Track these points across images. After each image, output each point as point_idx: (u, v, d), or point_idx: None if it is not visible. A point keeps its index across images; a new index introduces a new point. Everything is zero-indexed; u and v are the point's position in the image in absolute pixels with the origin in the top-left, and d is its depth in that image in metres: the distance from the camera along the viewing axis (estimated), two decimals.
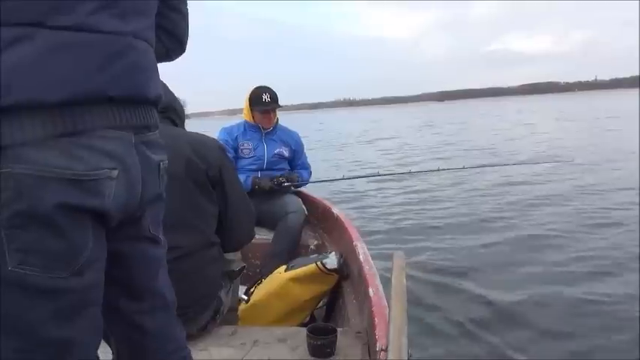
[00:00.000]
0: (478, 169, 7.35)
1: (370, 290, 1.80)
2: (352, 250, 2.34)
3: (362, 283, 1.99)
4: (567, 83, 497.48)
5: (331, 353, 1.57)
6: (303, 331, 1.66)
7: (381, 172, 4.30)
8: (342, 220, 2.83)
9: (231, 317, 2.01)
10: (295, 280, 2.24)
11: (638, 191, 6.18)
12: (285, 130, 3.44)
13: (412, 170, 4.39)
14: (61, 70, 0.79)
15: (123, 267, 1.00)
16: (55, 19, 0.79)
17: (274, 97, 3.22)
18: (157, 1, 1.04)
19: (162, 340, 1.09)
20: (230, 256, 2.03)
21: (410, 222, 5.62)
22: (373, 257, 2.22)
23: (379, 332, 1.46)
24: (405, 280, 1.54)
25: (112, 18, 0.86)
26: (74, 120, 0.80)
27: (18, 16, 0.77)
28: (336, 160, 13.34)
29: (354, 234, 2.53)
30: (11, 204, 0.76)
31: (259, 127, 3.28)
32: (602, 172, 8.11)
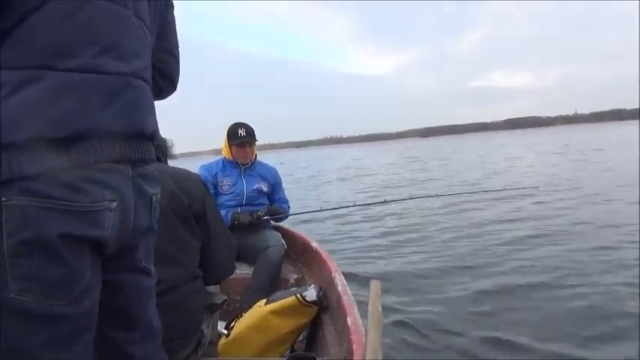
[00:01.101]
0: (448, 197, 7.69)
1: (349, 320, 1.85)
2: (331, 282, 2.38)
3: (341, 313, 2.03)
4: (549, 117, 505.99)
5: None
6: None
7: (357, 202, 4.40)
8: (321, 253, 2.88)
9: (211, 351, 2.01)
10: (275, 312, 2.26)
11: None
12: (264, 165, 3.51)
13: (386, 199, 4.50)
14: (67, 108, 0.85)
15: (117, 297, 1.03)
16: (63, 62, 0.86)
17: (250, 132, 3.30)
18: (151, 44, 1.12)
19: None
20: (211, 288, 2.06)
21: (386, 250, 5.84)
22: (352, 288, 2.28)
23: (357, 357, 1.50)
24: (380, 307, 1.59)
25: (113, 60, 0.93)
26: (78, 154, 0.86)
27: (29, 59, 0.83)
28: (318, 195, 13.57)
29: (332, 267, 2.58)
30: (17, 233, 0.81)
31: (238, 163, 3.34)
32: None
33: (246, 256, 3.12)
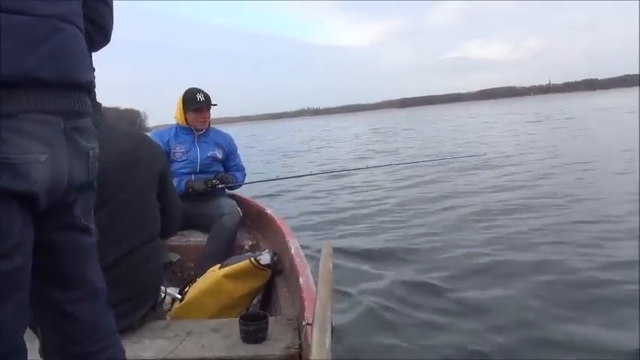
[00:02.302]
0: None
1: (301, 280, 1.88)
2: (285, 247, 2.41)
3: (293, 275, 2.06)
4: (524, 88, 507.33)
5: (263, 338, 1.63)
6: (236, 321, 1.71)
7: (314, 171, 4.45)
8: (276, 220, 2.90)
9: (160, 312, 2.03)
10: (229, 276, 2.27)
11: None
12: (218, 132, 3.46)
13: (345, 168, 4.58)
14: None
15: (54, 256, 1.01)
16: None
17: (208, 97, 3.25)
18: None
19: (91, 328, 1.11)
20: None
21: (339, 215, 6.02)
22: (307, 253, 2.31)
23: (308, 314, 1.54)
24: (330, 265, 1.62)
25: (38, 0, 0.87)
26: (2, 102, 0.81)
27: None
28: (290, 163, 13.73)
29: (286, 232, 2.60)
30: None
31: (191, 130, 3.28)
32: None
33: (200, 224, 3.10)
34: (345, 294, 3.38)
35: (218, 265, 2.38)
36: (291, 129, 55.84)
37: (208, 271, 2.39)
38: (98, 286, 1.13)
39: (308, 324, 1.35)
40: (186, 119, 3.26)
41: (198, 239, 3.02)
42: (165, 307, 2.16)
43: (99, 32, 1.21)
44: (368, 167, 4.34)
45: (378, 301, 3.29)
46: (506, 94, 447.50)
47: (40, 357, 1.14)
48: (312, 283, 1.83)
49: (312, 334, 1.22)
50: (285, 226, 2.72)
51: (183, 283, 2.42)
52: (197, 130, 3.29)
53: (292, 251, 2.24)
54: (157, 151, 1.98)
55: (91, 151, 1.01)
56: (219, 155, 3.36)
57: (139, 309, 1.74)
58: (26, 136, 0.84)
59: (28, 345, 0.98)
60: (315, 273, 1.98)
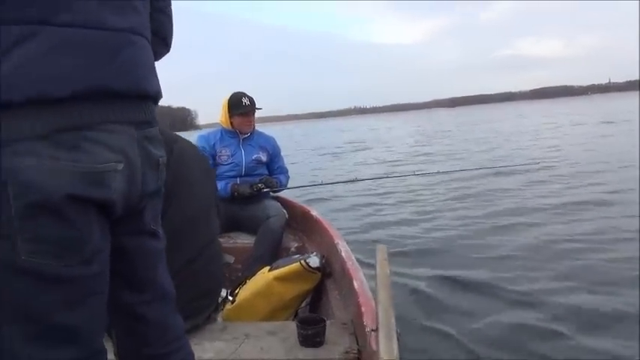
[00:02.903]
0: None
1: (355, 283, 1.88)
2: (334, 249, 2.41)
3: (345, 278, 2.06)
4: (580, 87, 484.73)
5: (321, 342, 1.64)
6: (292, 324, 1.73)
7: (359, 177, 4.42)
8: (322, 222, 2.91)
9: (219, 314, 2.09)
10: (280, 278, 2.29)
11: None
12: (262, 135, 3.50)
13: (389, 175, 4.53)
14: (66, 65, 0.82)
15: (125, 260, 1.04)
16: (59, 16, 0.82)
17: (253, 101, 3.29)
18: (148, 1, 1.08)
19: (162, 330, 1.14)
20: None
21: (388, 220, 5.89)
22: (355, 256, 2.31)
23: (367, 319, 1.54)
24: (388, 270, 1.62)
25: (112, 15, 0.90)
26: (81, 114, 0.84)
27: (22, 14, 0.80)
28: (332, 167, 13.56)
29: (334, 234, 2.61)
30: (23, 196, 0.79)
31: (237, 133, 3.33)
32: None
33: (247, 226, 3.14)
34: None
35: (267, 268, 2.41)
36: (336, 128, 55.05)
37: (258, 273, 2.42)
38: (167, 289, 1.16)
39: (372, 330, 1.35)
40: (231, 123, 3.31)
41: (245, 241, 3.06)
42: None
43: (160, 42, 1.23)
44: (415, 173, 4.27)
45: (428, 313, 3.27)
46: (562, 93, 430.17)
47: (115, 359, 1.17)
48: (367, 286, 1.83)
49: (377, 340, 1.22)
50: (332, 229, 2.73)
51: (233, 285, 2.46)
52: (242, 134, 3.33)
53: (342, 254, 2.24)
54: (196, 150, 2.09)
55: (160, 159, 1.05)
56: (264, 158, 3.39)
57: (204, 311, 1.79)
58: (104, 145, 0.87)
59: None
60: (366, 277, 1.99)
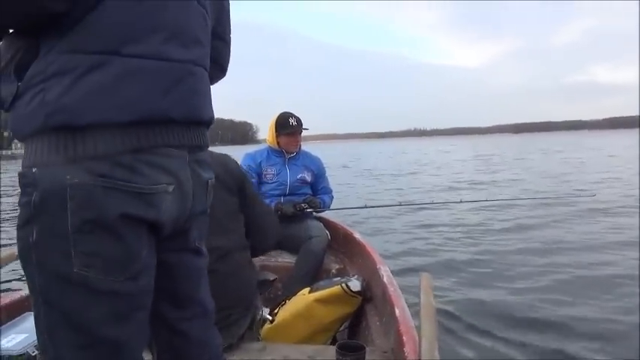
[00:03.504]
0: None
1: (396, 310, 1.84)
2: (375, 274, 2.38)
3: (387, 304, 2.02)
4: None
5: None
6: (331, 349, 1.70)
7: (403, 202, 4.39)
8: (364, 244, 2.88)
9: (258, 332, 2.07)
10: (320, 301, 2.27)
11: None
12: (308, 155, 3.52)
13: (434, 201, 4.46)
14: (131, 93, 0.88)
15: (169, 276, 1.06)
16: (130, 47, 0.88)
17: (300, 121, 3.32)
18: (210, 32, 1.13)
19: (202, 347, 1.15)
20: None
21: (432, 249, 5.76)
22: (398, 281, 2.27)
23: (408, 349, 1.50)
24: (433, 300, 1.58)
25: (178, 47, 0.95)
26: (139, 138, 0.89)
27: (96, 45, 0.86)
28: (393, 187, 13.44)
29: (377, 258, 2.58)
30: (80, 211, 0.84)
31: (283, 153, 3.36)
32: None
33: (288, 245, 3.14)
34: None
35: (308, 289, 2.39)
36: (393, 150, 54.50)
37: (298, 294, 2.41)
38: (209, 307, 1.18)
39: None
40: (278, 142, 3.34)
41: (287, 260, 3.06)
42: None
43: (217, 68, 1.28)
44: (462, 201, 4.17)
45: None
46: (636, 124, 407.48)
47: None
48: (409, 314, 1.79)
49: None
50: (374, 252, 2.69)
51: (273, 304, 2.46)
52: (288, 153, 3.36)
53: (384, 279, 2.21)
54: (229, 166, 2.07)
55: (209, 181, 1.09)
56: (309, 178, 3.41)
57: (235, 325, 1.78)
58: (156, 168, 0.91)
59: None
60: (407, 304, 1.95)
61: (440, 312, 3.46)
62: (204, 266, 1.17)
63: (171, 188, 0.94)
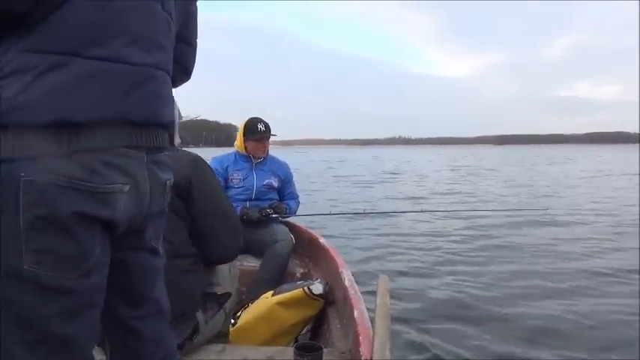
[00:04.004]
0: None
1: (355, 312, 1.89)
2: (338, 277, 2.42)
3: (347, 307, 2.07)
4: (636, 134, 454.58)
5: None
6: (290, 350, 1.73)
7: (367, 210, 4.49)
8: (328, 249, 2.92)
9: (222, 342, 2.06)
10: (282, 304, 2.31)
11: None
12: (275, 160, 3.55)
13: (397, 210, 4.59)
14: (91, 94, 0.90)
15: (125, 274, 1.09)
16: (91, 50, 0.91)
17: (268, 127, 3.35)
18: (174, 37, 1.16)
19: (155, 346, 1.18)
20: (221, 280, 2.11)
21: (393, 255, 5.90)
22: (359, 284, 2.33)
23: (364, 349, 1.55)
24: (388, 301, 1.63)
25: (140, 51, 0.98)
26: (96, 138, 0.91)
27: (60, 45, 0.88)
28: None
29: (339, 262, 2.62)
30: (32, 208, 0.86)
31: (250, 158, 3.39)
32: None
33: (254, 249, 3.16)
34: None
35: (271, 292, 2.42)
36: (372, 157, 54.96)
37: (261, 297, 2.44)
38: (163, 306, 1.20)
39: None
40: (245, 147, 3.37)
41: (251, 264, 3.08)
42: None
43: (182, 71, 1.31)
44: (423, 211, 4.32)
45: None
46: (616, 140, 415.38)
47: None
48: (367, 317, 1.84)
49: None
50: (338, 256, 2.74)
51: (236, 308, 2.48)
52: (255, 158, 3.39)
53: (346, 282, 2.26)
54: (182, 168, 1.81)
55: (167, 182, 1.12)
56: (275, 183, 3.44)
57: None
58: (113, 168, 0.94)
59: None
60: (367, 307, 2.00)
61: (397, 313, 3.63)
62: (160, 266, 1.19)
63: (126, 188, 0.96)
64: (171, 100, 1.12)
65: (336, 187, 16.42)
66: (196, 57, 1.36)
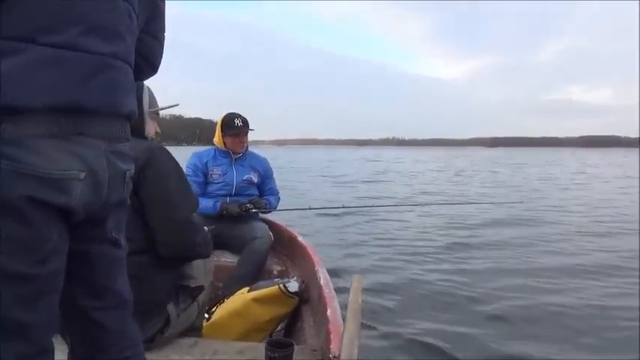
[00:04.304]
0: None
1: (328, 310, 1.90)
2: (313, 276, 2.43)
3: (321, 305, 2.08)
4: (628, 138, 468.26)
5: None
6: (262, 346, 1.73)
7: (346, 204, 4.51)
8: (306, 247, 2.93)
9: (195, 336, 2.05)
10: (257, 300, 2.31)
11: None
12: (255, 156, 3.54)
13: (375, 204, 4.62)
14: (46, 81, 0.90)
15: (86, 266, 1.09)
16: (47, 37, 0.90)
17: (246, 122, 3.34)
18: (137, 28, 1.16)
19: (118, 337, 1.17)
20: (195, 273, 2.09)
21: (372, 250, 6.03)
22: (335, 283, 2.34)
23: (334, 346, 1.56)
24: (360, 299, 1.64)
25: (97, 40, 0.98)
26: (51, 125, 0.91)
27: (13, 32, 0.88)
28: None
29: (316, 261, 2.63)
30: None
31: (229, 153, 3.37)
32: None
33: (232, 245, 3.15)
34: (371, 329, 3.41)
35: (247, 288, 2.42)
36: (364, 158, 55.23)
37: (237, 293, 2.43)
38: (125, 297, 1.20)
39: (334, 357, 1.37)
40: (224, 143, 3.35)
41: (228, 260, 3.07)
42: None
43: (147, 64, 1.32)
44: (397, 205, 4.37)
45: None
46: (609, 143, 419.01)
47: None
48: (340, 315, 1.85)
49: None
50: (315, 255, 2.75)
51: (211, 303, 2.47)
52: (235, 154, 3.38)
53: (321, 281, 2.27)
54: (139, 160, 1.68)
55: (127, 172, 1.11)
56: (255, 179, 3.43)
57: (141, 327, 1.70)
58: (68, 154, 0.93)
59: (58, 353, 1.04)
60: (342, 305, 2.01)
61: (374, 309, 3.73)
62: (122, 257, 1.19)
63: (82, 175, 0.96)
64: (132, 91, 1.12)
65: (322, 185, 16.56)
66: (163, 51, 1.36)
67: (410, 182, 18.67)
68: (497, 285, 4.51)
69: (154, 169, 1.80)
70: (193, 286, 2.05)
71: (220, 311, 2.35)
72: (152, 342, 1.80)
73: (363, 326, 3.26)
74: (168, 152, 1.88)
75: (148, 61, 1.30)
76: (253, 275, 2.89)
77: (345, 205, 4.49)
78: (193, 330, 2.08)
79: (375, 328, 3.41)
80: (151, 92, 1.96)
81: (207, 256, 2.11)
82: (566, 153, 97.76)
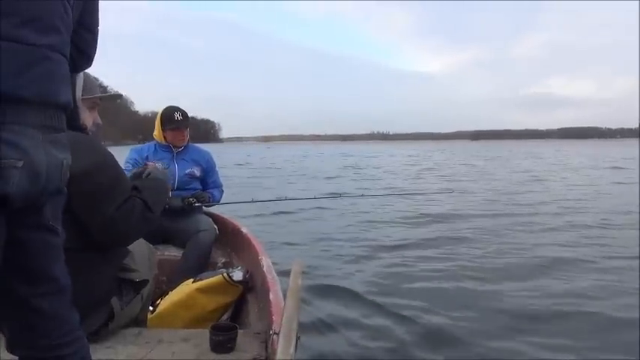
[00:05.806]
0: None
1: (271, 295, 1.97)
2: (257, 265, 2.49)
3: (264, 291, 2.14)
4: (609, 129, 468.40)
5: (231, 348, 1.71)
6: (207, 332, 1.78)
7: (288, 196, 4.63)
8: (250, 238, 2.98)
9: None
10: (202, 290, 2.34)
11: None
12: (197, 149, 3.53)
13: (317, 196, 4.77)
14: None
15: (23, 253, 1.10)
16: None
17: (185, 116, 3.34)
18: (72, 21, 1.19)
19: (58, 322, 1.19)
20: (138, 266, 2.09)
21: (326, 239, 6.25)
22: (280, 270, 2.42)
23: (275, 326, 1.63)
24: (300, 281, 1.72)
25: (33, 32, 1.01)
26: None
27: None
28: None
29: (259, 250, 2.69)
30: None
31: (170, 147, 3.35)
32: None
33: (177, 239, 3.15)
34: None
35: (191, 280, 2.44)
36: (338, 153, 55.35)
37: (181, 284, 2.45)
38: (63, 283, 1.21)
39: (275, 333, 1.44)
40: (165, 137, 3.33)
41: (173, 253, 3.07)
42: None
43: (82, 57, 1.35)
44: (341, 196, 4.54)
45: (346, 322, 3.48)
46: (590, 135, 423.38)
47: (8, 351, 1.21)
48: (282, 298, 1.92)
49: (277, 341, 1.32)
50: (258, 245, 2.80)
51: (155, 296, 2.48)
52: (176, 148, 3.37)
53: (264, 269, 2.33)
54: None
55: (64, 161, 1.13)
56: (197, 173, 3.42)
57: (85, 321, 1.69)
58: (5, 143, 0.95)
59: None
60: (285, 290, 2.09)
61: (312, 293, 3.90)
62: (60, 245, 1.20)
63: (20, 163, 0.97)
64: (67, 82, 1.14)
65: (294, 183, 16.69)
66: (97, 43, 1.40)
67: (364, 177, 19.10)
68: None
69: (78, 163, 1.57)
70: (137, 280, 2.05)
71: (165, 302, 2.37)
72: (97, 335, 1.80)
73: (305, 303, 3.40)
74: (96, 142, 1.80)
75: (82, 54, 1.33)
76: (198, 268, 2.90)
77: (288, 198, 4.63)
78: (138, 323, 2.09)
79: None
80: (92, 79, 1.86)
81: (154, 226, 1.98)
82: (546, 146, 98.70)
